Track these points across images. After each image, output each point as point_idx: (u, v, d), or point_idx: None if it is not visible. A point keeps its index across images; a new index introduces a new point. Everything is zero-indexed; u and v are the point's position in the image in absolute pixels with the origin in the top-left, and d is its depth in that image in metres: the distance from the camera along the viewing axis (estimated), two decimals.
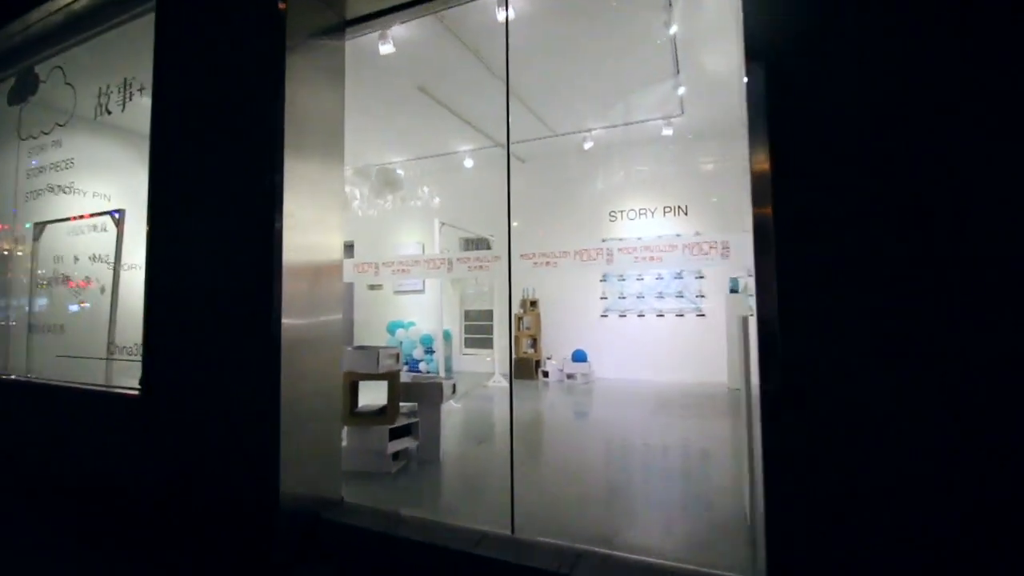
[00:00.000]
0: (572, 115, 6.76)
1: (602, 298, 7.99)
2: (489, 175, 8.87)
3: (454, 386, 3.80)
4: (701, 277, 7.44)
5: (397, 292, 9.42)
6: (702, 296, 7.42)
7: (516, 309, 8.22)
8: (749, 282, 2.55)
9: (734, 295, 6.86)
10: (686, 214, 7.59)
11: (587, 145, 7.29)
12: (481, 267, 3.80)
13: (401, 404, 3.54)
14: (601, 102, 6.32)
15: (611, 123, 7.01)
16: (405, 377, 3.90)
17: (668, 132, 6.77)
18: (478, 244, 9.06)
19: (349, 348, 3.37)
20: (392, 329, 8.95)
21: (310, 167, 2.62)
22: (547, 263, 3.42)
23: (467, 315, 9.09)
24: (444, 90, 6.01)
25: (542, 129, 7.16)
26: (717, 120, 6.88)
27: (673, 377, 7.48)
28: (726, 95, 6.04)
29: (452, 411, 5.58)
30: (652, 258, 3.02)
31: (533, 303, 8.15)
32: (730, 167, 7.38)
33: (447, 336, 8.67)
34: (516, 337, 8.02)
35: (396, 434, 3.31)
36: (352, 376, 3.26)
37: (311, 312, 2.48)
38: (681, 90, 5.57)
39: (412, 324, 8.92)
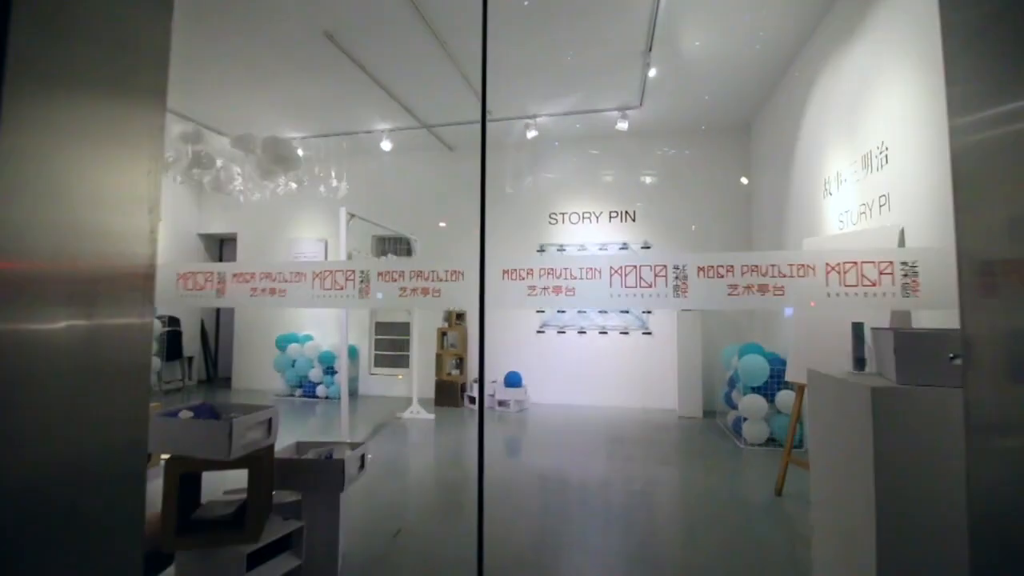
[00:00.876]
0: (516, 96, 5.69)
1: (539, 311, 6.99)
2: (412, 162, 7.54)
3: (363, 458, 2.52)
4: None
5: None
6: (649, 312, 6.68)
7: (439, 322, 6.97)
8: None
9: (686, 312, 6.17)
10: (634, 220, 6.82)
11: (531, 134, 6.26)
12: (428, 292, 2.58)
13: (276, 492, 2.21)
14: (553, 80, 5.31)
15: (561, 110, 6.03)
16: (287, 445, 2.54)
17: (623, 126, 5.92)
18: (396, 245, 7.69)
19: (167, 415, 1.98)
20: (283, 344, 7.26)
21: (76, 100, 1.28)
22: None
23: (378, 328, 7.65)
24: (360, 44, 4.65)
25: (478, 112, 6.00)
26: (678, 116, 6.17)
27: (618, 403, 6.65)
28: (697, 83, 5.30)
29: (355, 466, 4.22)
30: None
31: (459, 316, 6.94)
32: (686, 171, 6.72)
33: (352, 353, 7.19)
34: (439, 356, 6.76)
35: (262, 556, 1.99)
36: (183, 465, 1.88)
37: (78, 348, 1.16)
38: (652, 71, 4.71)
39: (309, 338, 7.31)
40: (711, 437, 5.21)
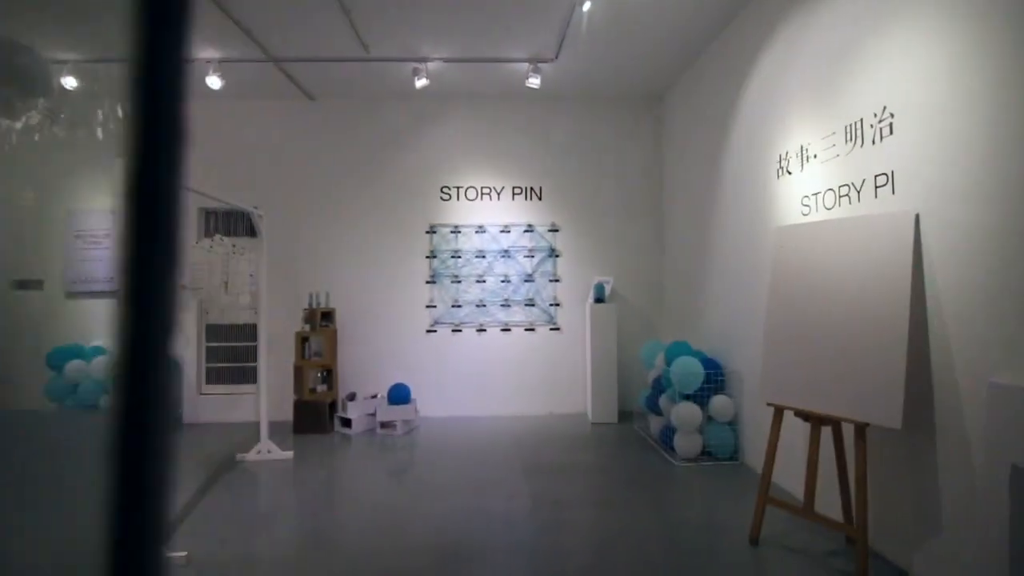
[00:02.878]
0: (401, 30, 4.31)
1: (429, 306, 5.76)
2: (255, 113, 5.72)
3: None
4: (556, 280, 5.85)
5: (73, 295, 5.47)
6: (557, 304, 5.85)
7: (298, 325, 5.38)
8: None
9: (600, 305, 5.43)
10: (540, 198, 5.88)
11: (420, 83, 4.92)
12: None
13: None
14: (451, 9, 4.04)
15: (458, 54, 4.78)
16: None
17: (534, 83, 4.88)
18: (232, 222, 5.86)
19: None
20: (58, 362, 5.07)
21: None
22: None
23: (211, 332, 5.78)
24: None
25: (350, 46, 4.50)
26: (600, 76, 5.28)
27: (523, 409, 5.75)
28: (629, 35, 4.14)
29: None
30: None
31: (326, 315, 5.43)
32: (604, 145, 5.92)
33: (171, 368, 5.26)
34: (299, 368, 5.20)
35: None
36: None
37: None
38: (587, 5, 3.69)
39: (100, 351, 5.20)
40: (635, 449, 4.54)
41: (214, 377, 5.74)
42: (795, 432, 3.13)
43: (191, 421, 5.58)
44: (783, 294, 2.95)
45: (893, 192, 2.58)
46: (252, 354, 5.64)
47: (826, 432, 2.73)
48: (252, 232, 5.60)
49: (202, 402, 5.61)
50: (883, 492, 2.64)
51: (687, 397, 4.20)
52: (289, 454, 4.40)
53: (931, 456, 2.37)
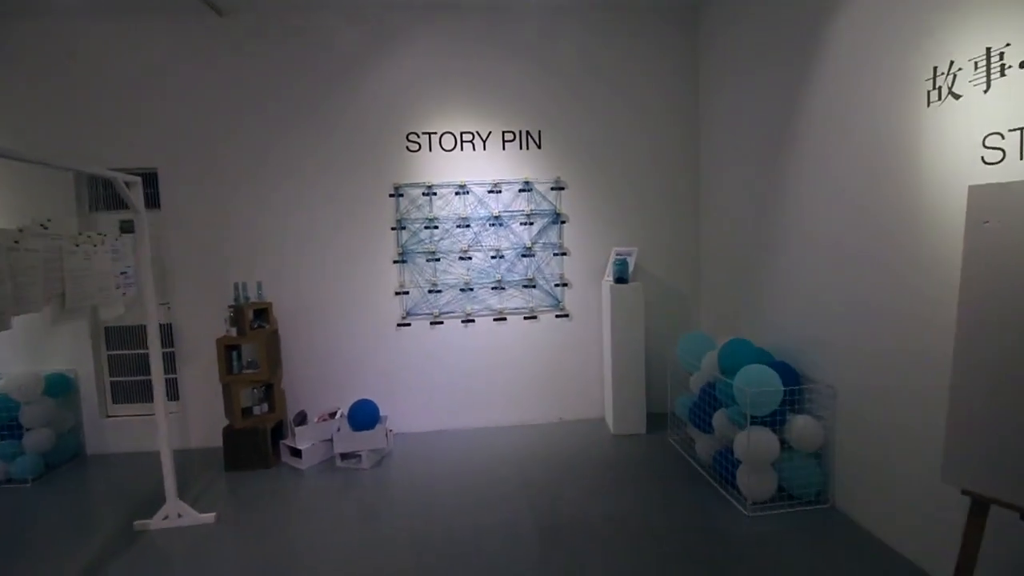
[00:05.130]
0: None
1: (400, 292, 4.44)
2: (140, 34, 4.14)
3: None
4: (563, 253, 4.56)
5: None
6: (564, 284, 4.58)
7: (220, 327, 4.02)
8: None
9: (622, 286, 4.19)
10: (539, 146, 4.48)
11: None
12: None
13: None
14: None
15: None
16: None
17: None
18: (100, 193, 4.34)
19: None
20: None
21: None
22: None
23: (112, 336, 4.40)
24: None
25: None
26: None
27: (525, 417, 4.59)
28: None
29: None
30: None
31: (260, 312, 4.08)
32: (622, 74, 4.49)
33: (62, 386, 4.00)
34: (228, 386, 3.90)
35: None
36: None
37: None
38: None
39: None
40: (681, 484, 3.43)
41: (122, 395, 4.41)
42: (958, 508, 1.99)
43: (95, 451, 4.29)
44: (989, 306, 1.73)
45: None
46: (171, 363, 4.31)
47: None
48: (156, 203, 4.15)
49: (107, 428, 4.31)
50: None
51: (757, 418, 3.06)
52: (209, 517, 3.17)
53: None
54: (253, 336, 3.90)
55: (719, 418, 3.35)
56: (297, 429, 3.89)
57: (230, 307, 3.90)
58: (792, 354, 3.34)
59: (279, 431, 4.08)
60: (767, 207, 3.57)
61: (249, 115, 4.19)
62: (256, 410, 3.97)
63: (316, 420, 4.03)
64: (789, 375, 3.14)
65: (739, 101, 3.89)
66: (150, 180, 4.18)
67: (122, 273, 2.79)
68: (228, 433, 3.86)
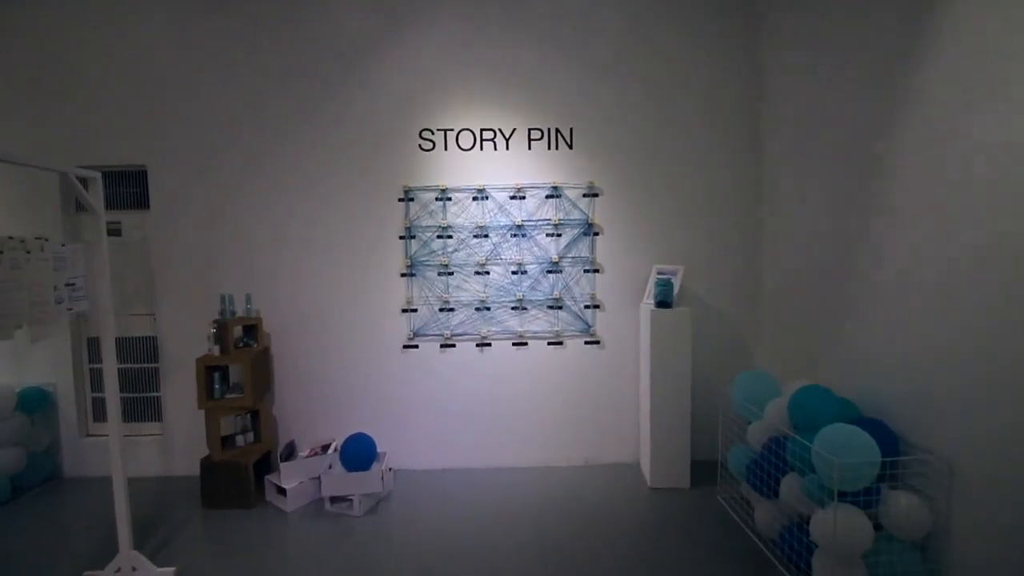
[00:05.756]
0: None
1: (408, 310, 3.91)
2: (123, 18, 3.79)
3: None
4: (595, 270, 3.93)
5: None
6: (596, 306, 3.95)
7: (205, 345, 3.57)
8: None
9: (665, 311, 3.53)
10: (571, 146, 3.89)
11: None
12: None
13: None
14: None
15: None
16: None
17: None
18: (117, 189, 3.99)
19: None
20: None
21: None
22: None
23: (95, 348, 4.03)
24: None
25: None
26: None
27: (546, 458, 3.97)
28: None
29: None
30: None
31: (249, 329, 3.63)
32: (671, 59, 3.89)
33: (39, 401, 3.65)
34: (211, 411, 3.44)
35: None
36: None
37: None
38: None
39: None
40: (733, 560, 2.73)
41: (105, 413, 4.03)
42: None
43: (73, 474, 3.92)
44: None
45: None
46: (154, 380, 3.91)
47: None
48: (143, 203, 3.78)
49: (87, 449, 3.93)
50: None
51: (844, 494, 2.34)
52: (168, 573, 2.69)
53: None
54: (238, 356, 3.44)
55: (789, 485, 2.64)
56: (283, 465, 3.39)
57: (214, 322, 3.45)
58: (888, 410, 2.60)
59: (266, 463, 3.60)
60: (855, 217, 2.86)
61: (247, 110, 3.78)
62: (240, 440, 3.50)
63: (306, 453, 3.53)
64: (885, 438, 2.42)
65: (820, 94, 3.19)
66: (139, 178, 3.82)
67: (68, 284, 2.36)
68: (206, 465, 3.39)
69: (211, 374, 3.42)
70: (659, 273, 3.74)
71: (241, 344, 3.51)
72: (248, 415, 3.55)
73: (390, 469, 3.65)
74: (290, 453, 3.51)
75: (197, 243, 3.81)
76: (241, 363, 3.45)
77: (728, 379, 3.51)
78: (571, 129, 3.87)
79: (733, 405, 3.30)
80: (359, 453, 3.35)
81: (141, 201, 3.83)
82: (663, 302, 3.55)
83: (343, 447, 3.40)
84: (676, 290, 3.59)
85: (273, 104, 3.78)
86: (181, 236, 3.81)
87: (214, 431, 3.41)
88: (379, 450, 3.62)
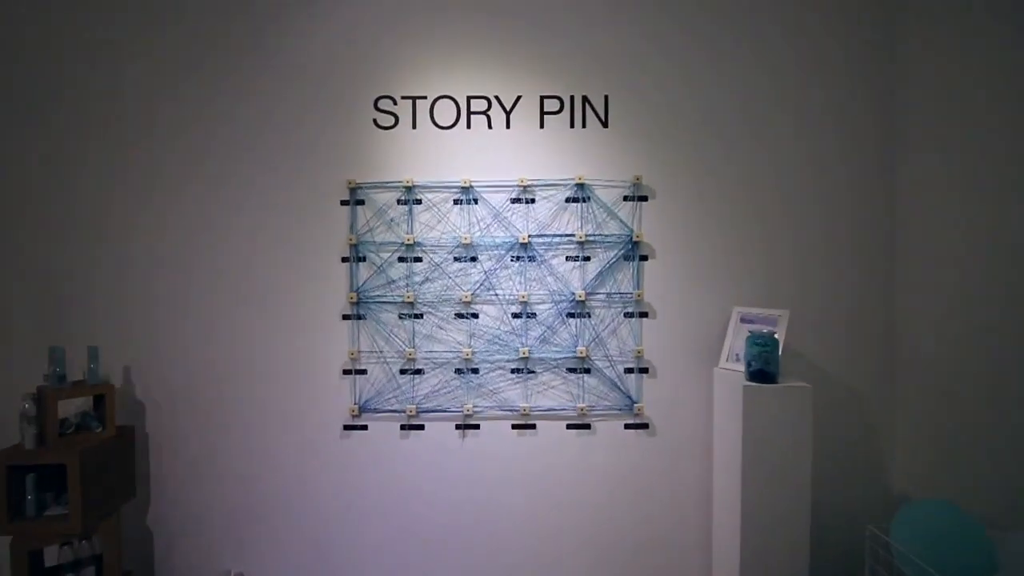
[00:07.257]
0: None
1: (351, 372, 2.54)
2: None
3: None
4: (642, 314, 2.53)
5: None
6: (644, 370, 2.54)
7: (14, 432, 2.25)
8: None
9: (764, 388, 2.10)
10: (604, 123, 2.54)
11: None
12: None
13: None
14: None
15: None
16: None
17: None
18: None
19: None
20: None
21: None
22: None
23: None
24: None
25: None
26: None
27: None
28: None
29: None
30: None
31: (99, 402, 2.30)
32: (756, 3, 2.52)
33: None
34: (18, 539, 2.09)
35: None
36: None
37: None
38: None
39: None
40: None
41: None
42: None
43: None
44: None
45: None
46: None
47: None
48: None
49: None
50: None
51: None
52: None
53: None
54: (62, 450, 2.11)
55: None
56: None
57: (29, 396, 2.14)
58: None
59: None
60: None
61: (111, 70, 2.53)
62: None
63: None
64: None
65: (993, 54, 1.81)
66: None
67: None
68: None
69: (19, 478, 2.09)
70: (746, 321, 2.34)
71: (71, 430, 2.19)
72: (83, 542, 2.21)
73: None
74: None
75: (39, 264, 2.54)
76: (66, 462, 2.11)
77: (875, 506, 2.07)
78: (606, 98, 2.53)
79: (896, 557, 1.86)
80: None
81: None
82: (762, 371, 2.13)
83: None
84: (780, 350, 2.18)
85: (147, 63, 2.53)
86: (18, 253, 2.54)
87: (22, 571, 2.06)
88: None
